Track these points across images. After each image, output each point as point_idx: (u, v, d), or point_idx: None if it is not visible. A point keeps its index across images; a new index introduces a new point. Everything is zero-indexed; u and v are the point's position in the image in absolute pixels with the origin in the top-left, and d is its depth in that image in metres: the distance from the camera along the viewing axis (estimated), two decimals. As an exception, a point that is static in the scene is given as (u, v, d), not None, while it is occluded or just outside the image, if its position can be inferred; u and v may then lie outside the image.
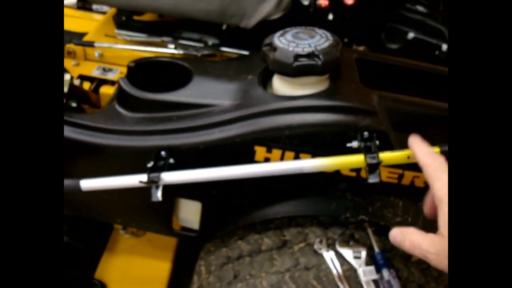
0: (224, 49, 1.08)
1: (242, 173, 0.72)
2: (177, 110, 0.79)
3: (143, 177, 0.72)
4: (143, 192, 0.74)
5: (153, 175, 0.72)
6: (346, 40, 1.08)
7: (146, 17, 1.16)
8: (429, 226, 0.82)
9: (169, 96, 0.80)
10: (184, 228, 0.95)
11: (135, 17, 1.14)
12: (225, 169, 0.72)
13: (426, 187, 0.78)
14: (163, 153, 0.76)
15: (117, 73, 1.08)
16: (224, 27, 1.05)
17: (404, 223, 0.82)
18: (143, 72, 0.88)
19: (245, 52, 1.07)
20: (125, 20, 1.12)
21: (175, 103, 0.79)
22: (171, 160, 0.76)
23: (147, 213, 0.89)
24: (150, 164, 0.74)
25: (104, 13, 1.43)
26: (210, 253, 0.96)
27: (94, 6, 1.45)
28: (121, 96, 0.83)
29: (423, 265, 0.87)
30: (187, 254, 1.14)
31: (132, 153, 0.79)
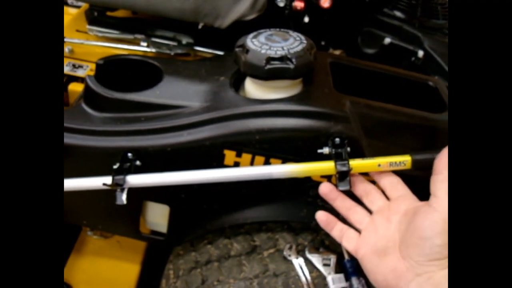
0: (198, 48, 1.06)
1: (211, 177, 0.70)
2: (146, 110, 0.77)
3: (108, 180, 0.70)
4: (108, 194, 0.71)
5: (118, 177, 0.70)
6: (322, 43, 1.07)
7: (119, 13, 1.13)
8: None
9: (138, 96, 0.77)
10: (153, 232, 0.92)
11: (108, 13, 1.11)
12: (193, 173, 0.70)
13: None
14: (129, 154, 0.74)
15: (88, 70, 1.05)
16: (200, 26, 1.03)
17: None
18: (112, 69, 0.85)
19: (220, 52, 1.05)
20: (97, 15, 1.09)
21: (144, 104, 0.77)
22: (138, 162, 0.73)
23: (113, 216, 0.87)
24: (115, 166, 0.71)
25: (79, 7, 1.40)
26: (179, 256, 0.94)
27: (69, 0, 1.41)
28: (88, 95, 0.80)
29: (393, 273, 0.86)
30: (157, 256, 1.12)
31: (98, 154, 0.76)
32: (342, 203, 0.69)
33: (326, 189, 0.69)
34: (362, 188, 0.69)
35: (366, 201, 0.68)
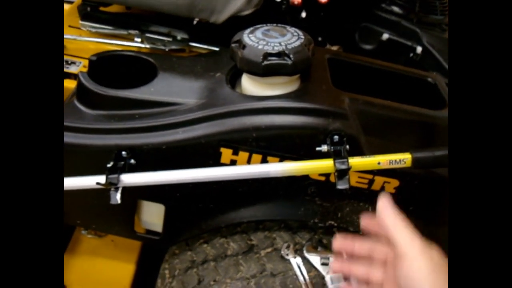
0: (193, 44, 1.04)
1: (206, 176, 0.68)
2: (140, 108, 0.75)
3: (101, 179, 0.68)
4: (102, 193, 0.69)
5: (112, 176, 0.68)
6: (320, 39, 1.06)
7: (113, 8, 1.11)
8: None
9: (132, 93, 0.76)
10: (148, 231, 0.91)
11: (101, 8, 1.09)
12: (188, 172, 0.68)
13: (396, 193, 0.77)
14: (123, 153, 0.72)
15: (80, 66, 1.03)
16: (195, 21, 1.01)
17: (373, 229, 0.80)
18: (105, 66, 0.83)
19: (216, 48, 1.04)
20: (90, 11, 1.07)
21: (138, 101, 0.75)
22: (132, 161, 0.72)
23: (108, 215, 0.85)
24: (109, 165, 0.70)
25: (71, 2, 1.37)
26: (174, 256, 0.93)
27: (61, -5, 1.39)
28: (81, 92, 0.78)
29: (391, 272, 0.85)
30: (152, 256, 1.10)
31: (91, 153, 0.74)
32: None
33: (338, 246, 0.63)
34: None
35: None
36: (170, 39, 1.04)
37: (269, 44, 0.71)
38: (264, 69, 0.70)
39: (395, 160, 0.66)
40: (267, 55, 0.70)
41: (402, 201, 0.78)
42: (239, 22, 0.88)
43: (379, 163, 0.66)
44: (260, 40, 0.72)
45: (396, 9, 1.08)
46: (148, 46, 1.02)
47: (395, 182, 0.75)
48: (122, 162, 0.71)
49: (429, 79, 0.88)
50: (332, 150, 0.68)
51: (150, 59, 0.84)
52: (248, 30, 0.76)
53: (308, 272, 0.78)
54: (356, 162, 0.66)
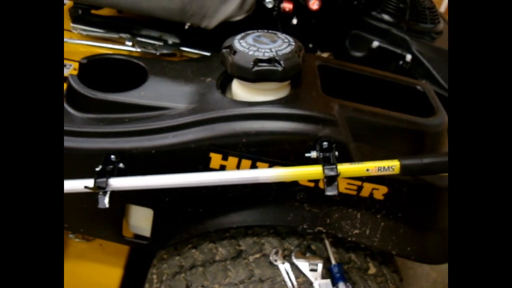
0: (184, 49, 1.04)
1: (196, 181, 0.68)
2: (129, 111, 0.75)
3: (90, 182, 0.68)
4: (90, 197, 0.69)
5: (100, 180, 0.68)
6: (310, 45, 1.06)
7: (104, 11, 1.11)
8: (387, 239, 0.81)
9: (121, 97, 0.75)
10: (136, 235, 0.90)
11: (93, 11, 1.09)
12: (178, 177, 0.68)
13: (385, 200, 0.77)
14: (112, 157, 0.72)
15: (71, 69, 1.02)
16: (186, 26, 1.01)
17: (362, 235, 0.80)
18: (95, 69, 0.83)
19: (207, 53, 1.04)
20: (81, 13, 1.07)
21: (127, 104, 0.75)
22: (121, 165, 0.72)
23: (95, 219, 0.84)
24: (98, 168, 0.70)
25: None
26: (162, 261, 0.92)
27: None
28: (70, 95, 0.78)
29: (380, 278, 0.86)
30: (140, 260, 1.09)
31: (80, 156, 0.74)
32: None
33: None
34: None
35: None
36: (161, 43, 1.04)
37: (259, 50, 0.71)
38: (255, 75, 0.70)
39: (384, 167, 0.67)
40: (257, 61, 0.70)
41: (390, 208, 0.79)
42: (231, 28, 0.89)
43: (367, 170, 0.67)
44: (251, 46, 0.72)
45: (386, 17, 1.09)
46: (139, 50, 1.02)
47: (383, 189, 0.76)
48: (111, 166, 0.71)
49: (418, 87, 0.89)
50: (321, 156, 0.68)
51: (140, 63, 0.84)
52: (239, 36, 0.76)
53: (296, 278, 0.78)
54: (345, 168, 0.66)
